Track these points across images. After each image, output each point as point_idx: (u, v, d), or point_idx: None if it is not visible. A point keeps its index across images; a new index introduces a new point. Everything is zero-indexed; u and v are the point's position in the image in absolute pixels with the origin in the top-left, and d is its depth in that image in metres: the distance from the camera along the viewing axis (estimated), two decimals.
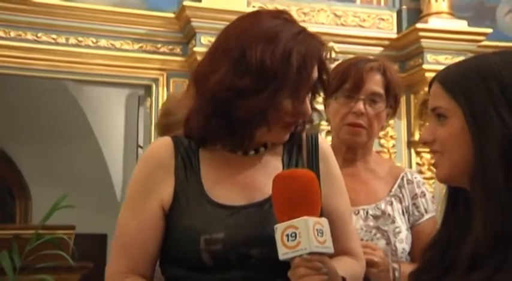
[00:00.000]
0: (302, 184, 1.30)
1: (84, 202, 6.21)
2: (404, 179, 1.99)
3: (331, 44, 4.83)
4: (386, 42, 5.53)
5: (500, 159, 1.09)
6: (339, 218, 1.48)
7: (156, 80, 5.11)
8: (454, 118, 1.16)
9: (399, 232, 1.90)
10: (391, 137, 5.43)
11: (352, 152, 1.98)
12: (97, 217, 6.25)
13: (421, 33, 5.31)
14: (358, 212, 1.90)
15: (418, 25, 5.34)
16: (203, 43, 4.78)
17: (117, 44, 5.02)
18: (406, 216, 1.95)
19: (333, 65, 1.94)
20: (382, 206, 1.92)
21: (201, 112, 1.43)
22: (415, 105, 5.46)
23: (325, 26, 5.38)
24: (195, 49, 4.79)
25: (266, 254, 1.36)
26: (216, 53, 1.45)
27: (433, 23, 5.35)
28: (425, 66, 5.27)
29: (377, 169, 2.01)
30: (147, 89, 5.19)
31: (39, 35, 4.85)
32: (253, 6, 5.07)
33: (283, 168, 1.49)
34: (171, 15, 5.06)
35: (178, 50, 5.14)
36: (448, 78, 1.20)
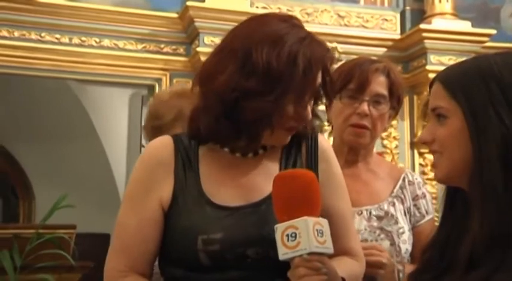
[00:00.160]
0: (302, 184, 1.30)
1: (87, 202, 6.24)
2: (406, 180, 1.99)
3: (334, 44, 4.82)
4: (390, 43, 5.51)
5: (498, 159, 1.08)
6: (339, 218, 1.48)
7: (159, 80, 5.10)
8: (453, 118, 1.16)
9: (403, 233, 1.90)
10: (394, 138, 5.42)
11: (354, 153, 1.98)
12: (100, 217, 6.24)
13: (425, 34, 5.28)
14: (362, 213, 1.90)
15: (422, 26, 5.32)
16: (206, 43, 4.77)
17: (121, 44, 5.01)
18: (407, 217, 1.95)
19: (336, 66, 1.94)
20: (385, 207, 1.92)
21: (210, 112, 1.42)
22: (418, 106, 5.44)
23: (328, 26, 5.36)
24: (199, 49, 4.78)
25: (262, 254, 1.36)
26: (222, 54, 1.45)
27: (436, 23, 5.33)
28: (428, 67, 5.24)
29: (377, 169, 2.01)
30: (150, 89, 5.18)
31: (42, 34, 4.85)
32: (257, 7, 5.07)
33: (280, 169, 1.48)
34: (175, 15, 5.05)
35: (181, 50, 5.13)
36: (448, 78, 1.20)
